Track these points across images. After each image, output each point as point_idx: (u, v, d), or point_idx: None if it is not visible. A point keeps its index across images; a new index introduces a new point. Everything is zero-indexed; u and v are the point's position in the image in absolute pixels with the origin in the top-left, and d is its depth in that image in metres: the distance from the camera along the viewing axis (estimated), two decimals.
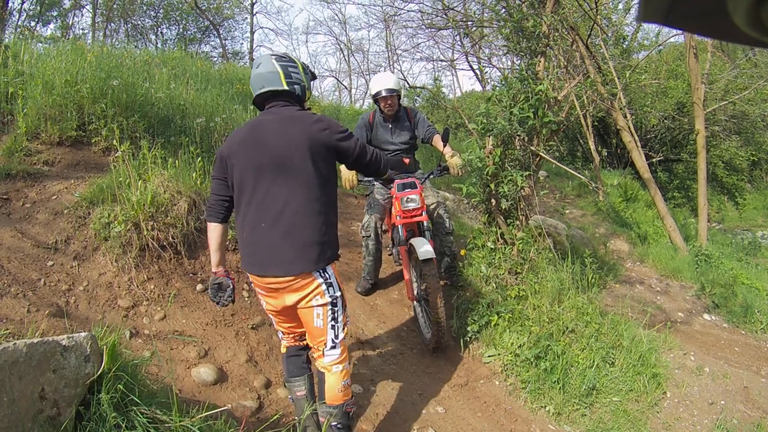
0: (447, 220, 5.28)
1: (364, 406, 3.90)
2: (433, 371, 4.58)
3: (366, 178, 4.90)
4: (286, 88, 3.04)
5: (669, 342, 5.44)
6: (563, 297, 4.98)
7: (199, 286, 4.56)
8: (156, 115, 6.02)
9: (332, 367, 3.05)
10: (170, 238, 4.60)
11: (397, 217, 4.80)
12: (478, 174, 5.28)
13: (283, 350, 3.41)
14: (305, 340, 3.29)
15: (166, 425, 2.61)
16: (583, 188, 11.96)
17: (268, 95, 3.09)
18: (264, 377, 3.93)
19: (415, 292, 4.91)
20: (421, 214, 4.78)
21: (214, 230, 3.18)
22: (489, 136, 5.14)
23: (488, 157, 5.11)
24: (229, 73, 10.81)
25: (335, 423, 3.07)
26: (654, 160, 15.40)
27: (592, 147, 11.89)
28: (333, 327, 3.01)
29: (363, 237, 5.29)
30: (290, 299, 2.96)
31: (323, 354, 3.05)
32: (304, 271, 2.86)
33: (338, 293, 3.00)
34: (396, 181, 4.85)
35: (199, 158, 5.24)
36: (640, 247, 9.42)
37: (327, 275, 2.94)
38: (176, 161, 5.05)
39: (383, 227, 5.33)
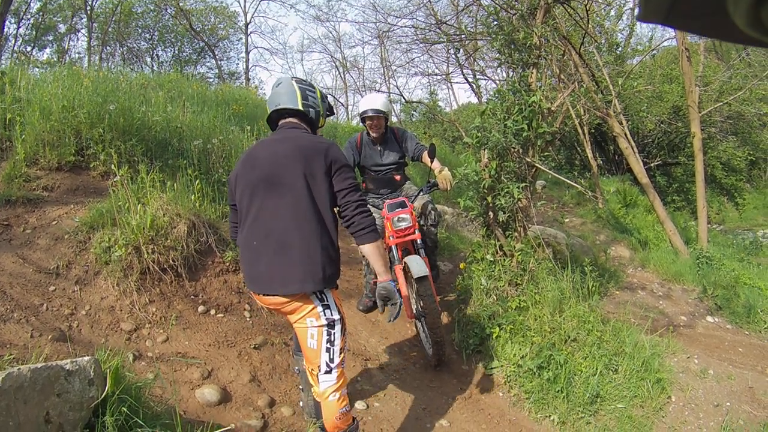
0: (432, 213, 5.28)
1: (368, 423, 3.90)
2: (436, 385, 4.59)
3: None
4: (300, 108, 3.09)
5: (672, 346, 5.43)
6: (564, 306, 4.98)
7: (201, 308, 4.58)
8: (153, 139, 6.06)
9: (328, 396, 2.94)
10: (171, 261, 4.62)
11: (390, 238, 4.82)
12: (475, 187, 5.30)
13: None
14: None
15: None
16: (582, 196, 11.98)
17: (282, 112, 3.15)
18: (268, 396, 3.94)
19: (414, 311, 4.92)
20: (414, 232, 4.80)
21: None
22: (484, 150, 5.17)
23: (484, 170, 5.13)
24: (225, 94, 10.87)
25: None
26: (652, 164, 15.45)
27: (590, 155, 11.93)
28: (328, 350, 2.91)
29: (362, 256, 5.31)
30: (291, 318, 2.96)
31: (318, 380, 2.95)
32: (292, 292, 2.81)
33: (336, 316, 2.92)
34: (386, 201, 4.90)
35: (197, 180, 5.27)
36: (641, 253, 9.42)
37: (324, 297, 2.89)
38: (175, 184, 5.07)
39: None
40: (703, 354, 5.63)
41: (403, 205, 4.81)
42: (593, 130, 14.49)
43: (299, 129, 3.11)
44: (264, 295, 2.90)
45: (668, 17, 0.62)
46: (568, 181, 6.26)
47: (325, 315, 2.87)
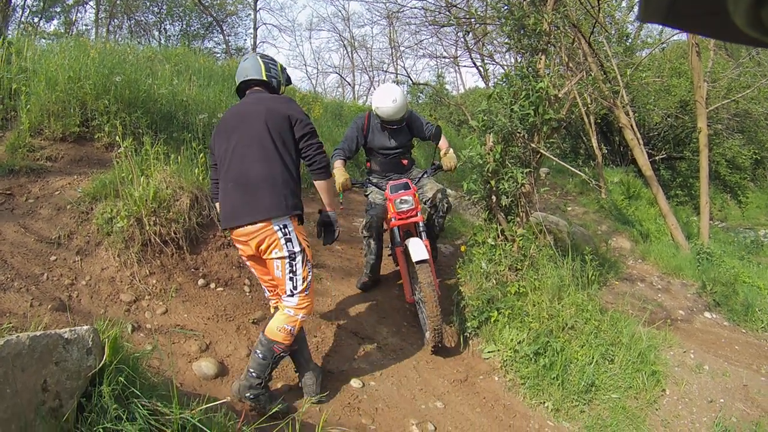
0: (444, 204, 5.22)
1: (363, 401, 3.92)
2: (432, 367, 4.60)
3: (359, 181, 5.18)
4: (264, 78, 3.72)
5: (669, 339, 5.44)
6: (563, 294, 4.99)
7: (201, 281, 4.59)
8: (159, 111, 6.03)
9: (283, 309, 3.46)
10: (172, 234, 4.62)
11: (392, 219, 4.80)
12: (479, 171, 5.28)
13: (272, 311, 3.93)
14: None
15: (167, 417, 2.64)
16: (586, 185, 11.94)
17: (249, 83, 3.75)
18: None
19: (413, 294, 4.92)
20: (416, 215, 4.77)
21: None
22: (490, 133, 5.16)
23: (489, 154, 5.12)
24: (232, 70, 10.74)
25: (258, 351, 3.45)
26: (657, 158, 15.37)
27: (595, 144, 11.84)
28: (291, 279, 3.42)
29: (364, 237, 5.28)
30: (262, 251, 3.42)
31: (281, 299, 3.49)
32: (261, 218, 3.30)
33: (297, 248, 3.40)
34: (389, 183, 4.86)
35: (201, 154, 5.27)
36: (642, 245, 9.41)
37: (287, 231, 3.37)
38: (178, 157, 5.06)
39: (384, 226, 5.32)
40: (699, 349, 5.65)
41: (406, 186, 4.77)
42: (599, 120, 14.42)
43: (265, 93, 3.73)
44: (237, 227, 3.39)
45: (668, 17, 0.62)
46: (573, 169, 6.25)
47: (286, 247, 3.37)
